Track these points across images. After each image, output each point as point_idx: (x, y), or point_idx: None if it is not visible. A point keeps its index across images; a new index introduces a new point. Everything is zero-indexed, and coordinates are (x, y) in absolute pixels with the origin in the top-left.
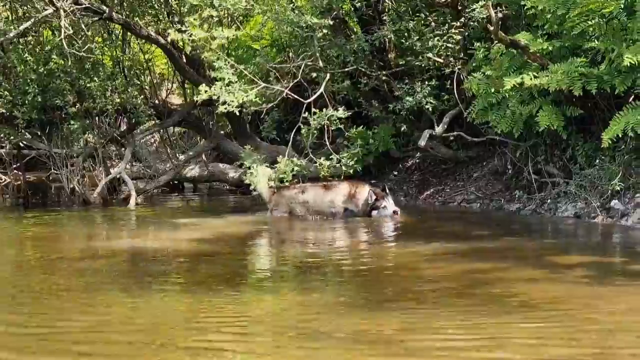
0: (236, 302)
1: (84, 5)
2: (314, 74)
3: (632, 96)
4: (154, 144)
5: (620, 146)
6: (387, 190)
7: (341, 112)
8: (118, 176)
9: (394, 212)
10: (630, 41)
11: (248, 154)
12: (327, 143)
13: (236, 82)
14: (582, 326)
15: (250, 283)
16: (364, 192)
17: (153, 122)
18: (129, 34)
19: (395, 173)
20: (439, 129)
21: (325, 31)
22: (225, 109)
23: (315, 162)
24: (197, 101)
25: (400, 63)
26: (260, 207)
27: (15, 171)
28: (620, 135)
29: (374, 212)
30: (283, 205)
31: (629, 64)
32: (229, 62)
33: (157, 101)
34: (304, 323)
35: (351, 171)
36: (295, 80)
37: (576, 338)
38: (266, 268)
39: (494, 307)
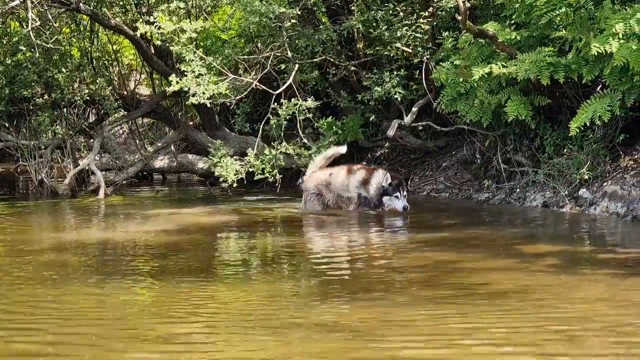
0: (206, 292)
1: None
2: (283, 65)
3: (600, 85)
4: (123, 135)
5: (588, 135)
6: (405, 183)
7: (310, 103)
8: (87, 167)
9: (404, 208)
10: (598, 30)
11: (218, 147)
12: (300, 133)
13: (206, 74)
14: (551, 315)
15: (220, 273)
16: (378, 177)
17: (122, 113)
18: (97, 25)
19: (364, 163)
20: (407, 119)
21: (293, 21)
22: (196, 100)
23: (285, 153)
24: (166, 92)
25: (369, 53)
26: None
27: None
28: (588, 124)
29: (385, 199)
30: (312, 187)
31: (596, 53)
32: (198, 54)
33: (125, 92)
34: (272, 313)
35: None
36: (264, 71)
37: (546, 327)
38: (236, 258)
39: (464, 297)
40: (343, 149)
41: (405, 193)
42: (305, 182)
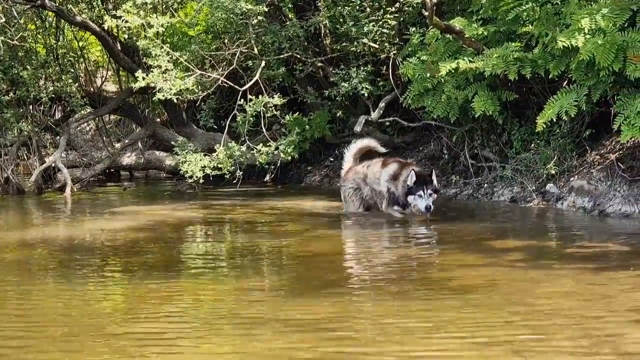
0: (174, 288)
1: None
2: (250, 61)
3: (566, 80)
4: (90, 132)
5: (555, 130)
6: (434, 178)
7: (277, 99)
8: (53, 165)
9: (426, 208)
10: (564, 25)
11: (182, 143)
12: (264, 130)
13: (172, 69)
14: (518, 310)
15: (189, 270)
16: (406, 172)
17: (88, 110)
18: (62, 21)
19: (332, 159)
20: (374, 115)
21: (260, 18)
22: (163, 96)
23: (253, 150)
24: (133, 89)
25: (336, 49)
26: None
27: None
28: (555, 120)
29: (410, 198)
30: (349, 181)
31: (562, 48)
32: (164, 50)
33: (92, 89)
34: (240, 309)
35: (288, 158)
36: (231, 68)
37: (514, 322)
38: (205, 255)
39: (431, 292)
40: (373, 143)
41: (429, 191)
42: (342, 179)
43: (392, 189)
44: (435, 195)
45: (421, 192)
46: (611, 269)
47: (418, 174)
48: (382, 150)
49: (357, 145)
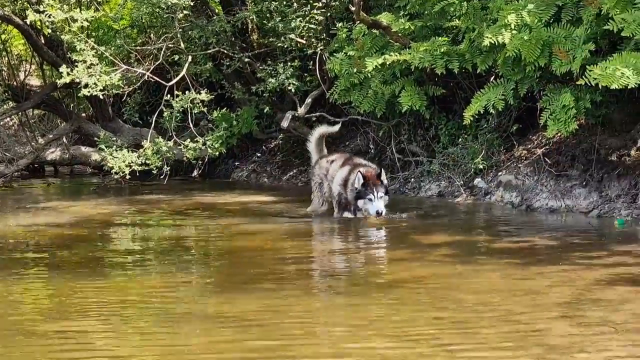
0: (100, 285)
1: None
2: (176, 56)
3: (494, 75)
4: (13, 127)
5: (483, 125)
6: (383, 178)
7: (204, 95)
8: None
9: (377, 213)
10: (491, 21)
11: (105, 138)
12: (191, 126)
13: (97, 64)
14: (446, 305)
15: (114, 266)
16: (353, 175)
17: (11, 104)
18: None
19: (259, 154)
20: (301, 110)
21: (186, 12)
22: (88, 92)
23: (180, 145)
24: (57, 83)
25: (263, 44)
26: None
27: None
28: (482, 114)
29: (360, 202)
30: (315, 175)
31: (488, 44)
32: (89, 44)
33: (15, 83)
34: (166, 305)
35: (216, 153)
36: (157, 63)
37: (441, 317)
38: (130, 250)
39: (359, 287)
40: (335, 128)
41: (380, 194)
42: (310, 172)
43: (343, 194)
44: (387, 197)
45: (371, 196)
46: (538, 264)
47: (365, 175)
48: (336, 128)
49: (315, 135)
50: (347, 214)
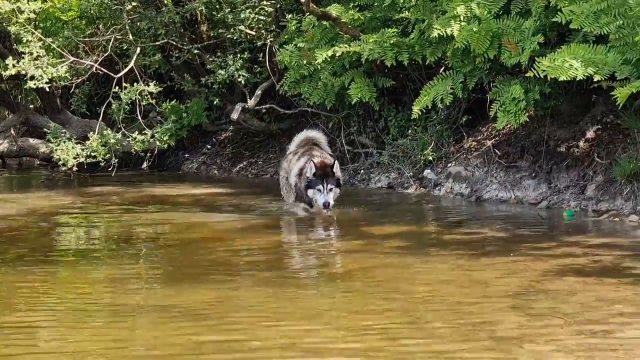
0: (47, 279)
1: None
2: (125, 47)
3: (443, 67)
4: None
5: (432, 117)
6: (336, 170)
7: (152, 87)
8: None
9: (324, 204)
10: (440, 12)
11: (54, 130)
12: (139, 118)
13: (44, 56)
14: (396, 297)
15: (62, 259)
16: (308, 165)
17: None
18: None
19: (209, 147)
20: (251, 102)
21: (135, 3)
22: (35, 84)
23: (128, 137)
24: (2, 75)
25: (212, 36)
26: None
27: None
28: (430, 106)
29: (310, 192)
30: (282, 169)
31: (437, 35)
32: (36, 35)
33: None
34: (115, 297)
35: (165, 146)
36: (106, 54)
37: (391, 309)
38: (78, 243)
39: (308, 279)
40: (312, 133)
41: (330, 186)
42: (280, 167)
43: (299, 184)
44: (338, 190)
45: (320, 187)
46: (488, 255)
47: (317, 165)
48: (324, 143)
49: (301, 136)
50: (302, 205)
